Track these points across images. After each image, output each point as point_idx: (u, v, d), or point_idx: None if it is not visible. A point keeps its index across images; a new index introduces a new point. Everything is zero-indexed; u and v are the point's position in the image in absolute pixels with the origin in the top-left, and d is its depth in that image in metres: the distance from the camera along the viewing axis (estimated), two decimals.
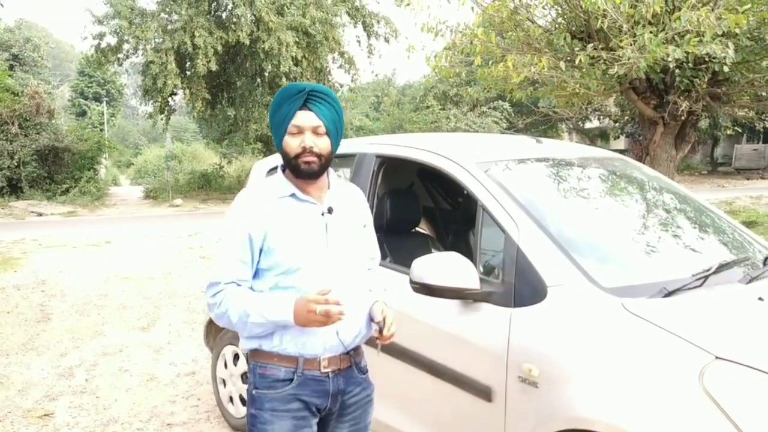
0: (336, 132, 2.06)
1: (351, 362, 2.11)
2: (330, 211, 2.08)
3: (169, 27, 19.48)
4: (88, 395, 4.50)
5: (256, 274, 2.07)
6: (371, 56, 22.14)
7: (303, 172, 2.02)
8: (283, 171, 2.13)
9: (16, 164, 20.27)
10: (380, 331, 2.02)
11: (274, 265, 2.01)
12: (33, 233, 13.28)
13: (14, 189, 20.57)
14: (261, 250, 2.03)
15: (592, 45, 6.48)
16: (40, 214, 18.01)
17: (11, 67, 32.10)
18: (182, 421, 4.07)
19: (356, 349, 2.15)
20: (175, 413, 4.19)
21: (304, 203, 2.07)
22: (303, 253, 2.01)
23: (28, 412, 4.21)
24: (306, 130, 2.00)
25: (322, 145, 2.01)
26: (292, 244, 2.01)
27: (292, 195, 2.06)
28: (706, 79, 7.07)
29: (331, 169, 2.13)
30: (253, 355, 2.08)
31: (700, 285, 2.30)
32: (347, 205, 2.17)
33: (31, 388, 4.62)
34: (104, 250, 11.05)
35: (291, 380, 2.02)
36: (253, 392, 2.06)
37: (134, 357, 5.31)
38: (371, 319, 2.11)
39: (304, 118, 2.00)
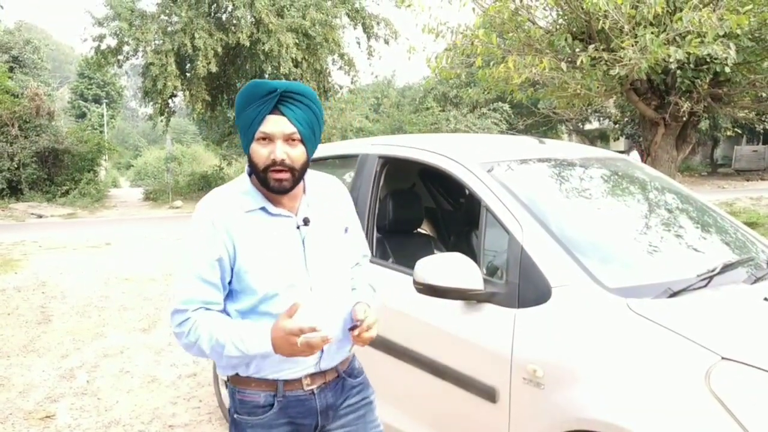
0: (313, 137, 1.80)
1: (338, 373, 1.94)
2: (306, 222, 1.84)
3: (169, 29, 19.51)
4: (89, 397, 4.49)
5: (229, 295, 1.83)
6: (371, 58, 22.16)
7: (273, 189, 1.76)
8: (250, 175, 1.85)
9: (16, 166, 20.29)
10: (354, 328, 1.81)
11: (247, 289, 1.78)
12: (33, 235, 13.28)
13: (14, 191, 20.58)
14: (233, 272, 1.79)
15: (593, 46, 6.48)
16: (40, 216, 18.00)
17: (11, 69, 32.11)
18: (184, 422, 4.06)
19: (343, 360, 1.96)
20: (176, 415, 4.17)
21: (276, 217, 1.81)
22: (279, 277, 1.78)
23: (29, 414, 4.20)
24: (277, 139, 1.73)
25: (296, 155, 1.75)
26: (265, 267, 1.77)
27: (263, 209, 1.80)
28: (707, 80, 7.07)
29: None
30: (231, 380, 1.89)
31: (705, 285, 2.29)
32: (325, 209, 1.92)
33: (32, 390, 4.61)
34: (104, 252, 11.04)
35: (272, 405, 1.83)
36: (234, 416, 1.89)
37: (135, 358, 5.30)
38: (351, 319, 1.89)
39: (276, 123, 1.72)
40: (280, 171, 1.73)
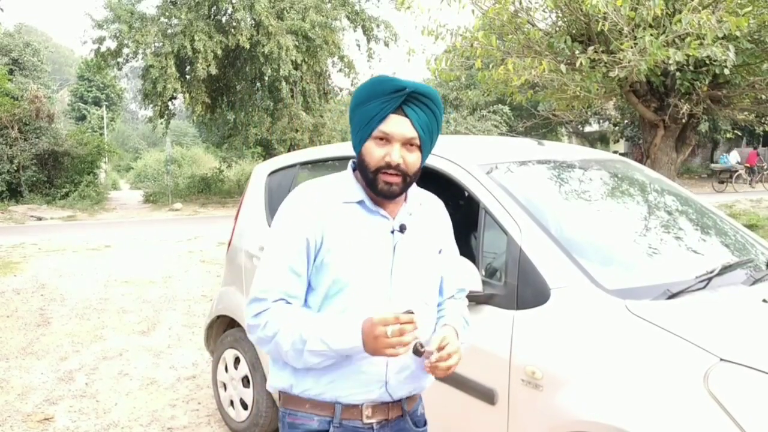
0: (430, 143, 1.69)
1: (402, 411, 1.75)
2: (402, 229, 1.70)
3: (169, 31, 19.54)
4: (88, 399, 4.48)
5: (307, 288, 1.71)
6: (371, 60, 22.18)
7: (380, 192, 1.64)
8: (353, 169, 1.76)
9: (15, 168, 20.30)
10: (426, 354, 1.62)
11: (325, 281, 1.65)
12: (32, 237, 13.28)
13: (14, 193, 20.59)
14: (316, 260, 1.67)
15: (592, 48, 6.48)
16: (40, 219, 18.00)
17: (11, 72, 32.17)
18: (183, 425, 4.06)
19: (411, 397, 1.78)
20: (175, 417, 4.17)
21: (373, 215, 1.69)
22: (361, 271, 1.65)
23: (28, 417, 4.19)
24: (396, 141, 1.61)
25: (411, 161, 1.64)
26: (351, 258, 1.64)
27: (361, 202, 1.70)
28: (706, 82, 7.08)
29: None
30: (283, 399, 1.73)
31: (704, 287, 2.29)
32: (424, 224, 1.79)
33: (30, 393, 4.61)
34: (104, 254, 11.04)
35: (326, 431, 1.67)
36: None
37: (134, 361, 5.29)
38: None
39: (398, 124, 1.60)
40: (393, 175, 1.62)
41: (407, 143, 1.63)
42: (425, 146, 1.67)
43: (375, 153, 1.63)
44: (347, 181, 1.73)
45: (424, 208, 1.83)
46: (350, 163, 1.80)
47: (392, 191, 1.64)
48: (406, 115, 1.61)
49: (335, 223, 1.66)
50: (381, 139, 1.62)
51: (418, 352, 1.59)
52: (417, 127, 1.62)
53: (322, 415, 1.67)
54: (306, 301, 1.70)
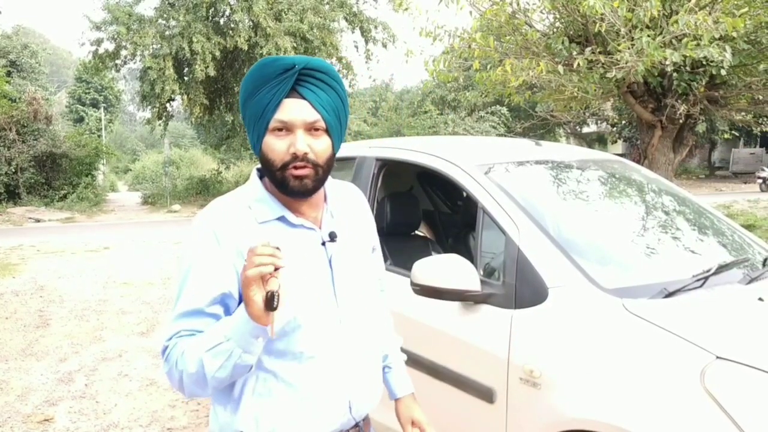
0: (339, 126, 1.47)
1: (359, 430, 1.61)
2: (332, 237, 1.50)
3: (167, 33, 19.52)
4: (87, 400, 4.49)
5: None
6: (369, 61, 22.20)
7: (292, 190, 1.42)
8: (260, 177, 1.53)
9: (13, 170, 20.31)
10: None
11: None
12: (31, 239, 13.28)
13: (12, 195, 20.58)
14: (240, 300, 1.39)
15: (590, 49, 6.50)
16: (38, 221, 17.99)
17: (9, 74, 32.12)
18: (182, 425, 4.07)
19: (365, 419, 1.65)
20: (175, 418, 4.18)
21: (297, 229, 1.48)
22: (305, 301, 1.43)
23: (27, 418, 4.20)
24: (297, 128, 1.39)
25: (320, 148, 1.42)
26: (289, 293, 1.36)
27: (281, 218, 1.47)
28: (703, 83, 7.10)
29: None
30: None
31: (701, 286, 2.30)
32: (350, 222, 1.61)
33: (30, 394, 4.61)
34: (102, 256, 11.04)
35: None
36: None
37: (134, 362, 5.30)
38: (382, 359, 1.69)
39: (295, 109, 1.39)
40: (302, 167, 1.40)
41: (311, 128, 1.41)
42: (333, 131, 1.45)
43: (277, 147, 1.40)
44: (258, 196, 1.48)
45: (346, 203, 1.64)
46: (254, 171, 1.54)
47: (305, 186, 1.42)
48: (303, 97, 1.40)
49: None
50: (280, 129, 1.40)
51: (270, 300, 1.24)
52: (318, 108, 1.41)
53: None
54: None
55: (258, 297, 1.24)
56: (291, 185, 1.41)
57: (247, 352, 1.32)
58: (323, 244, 1.50)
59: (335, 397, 1.50)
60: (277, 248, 1.26)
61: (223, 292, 1.40)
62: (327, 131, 1.44)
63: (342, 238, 1.54)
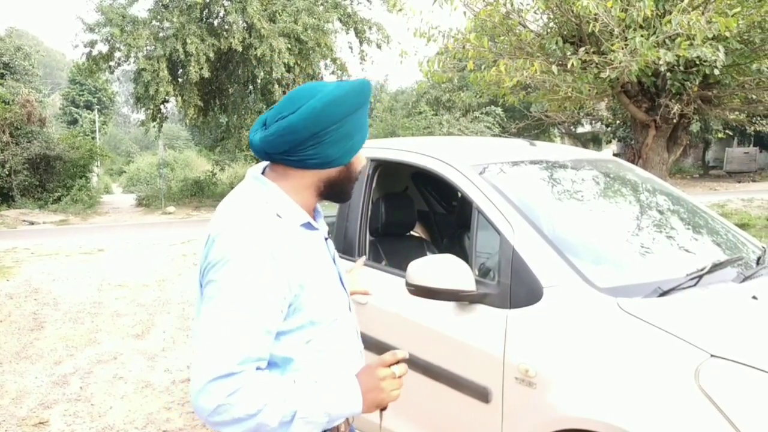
0: None
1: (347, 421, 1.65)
2: (330, 234, 1.66)
3: (161, 34, 19.48)
4: (82, 403, 4.48)
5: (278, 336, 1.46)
6: (363, 62, 22.20)
7: (348, 198, 1.59)
8: (260, 176, 1.56)
9: (7, 173, 20.22)
10: None
11: (308, 323, 1.45)
12: (25, 242, 13.23)
13: (5, 198, 20.50)
14: (290, 306, 1.43)
15: (583, 49, 6.53)
16: (32, 223, 17.93)
17: (2, 76, 32.05)
18: (178, 427, 4.06)
19: None
20: (170, 420, 4.17)
21: (315, 232, 1.55)
22: (334, 301, 1.53)
23: (22, 421, 4.18)
24: None
25: None
26: (324, 290, 1.49)
27: (307, 224, 1.51)
28: (697, 82, 7.13)
29: None
30: None
31: (695, 284, 2.31)
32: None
33: (25, 397, 4.60)
34: (97, 258, 11.00)
35: None
36: None
37: (129, 364, 5.29)
38: None
39: None
40: None
41: None
42: None
43: (362, 158, 1.56)
44: (285, 201, 1.49)
45: None
46: (264, 177, 1.54)
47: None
48: None
49: (299, 256, 1.43)
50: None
51: (384, 407, 1.47)
52: None
53: None
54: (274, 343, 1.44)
55: (396, 391, 1.43)
56: (351, 192, 1.58)
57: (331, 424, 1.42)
58: (326, 240, 1.61)
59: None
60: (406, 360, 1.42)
61: (284, 299, 1.39)
62: None
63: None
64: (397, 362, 1.41)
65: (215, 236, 1.42)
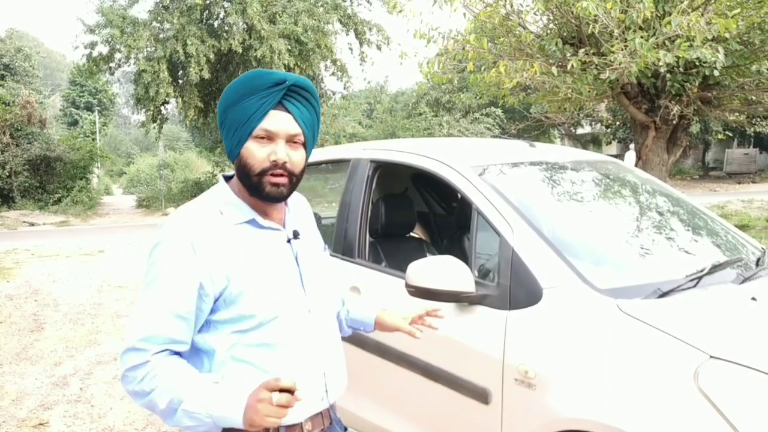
0: (313, 141, 1.60)
1: (331, 417, 1.71)
2: (296, 235, 1.64)
3: (161, 36, 19.49)
4: (83, 404, 4.48)
5: (205, 326, 1.53)
6: (363, 64, 22.19)
7: (268, 196, 1.53)
8: (226, 180, 1.64)
9: (7, 174, 20.25)
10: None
11: (239, 316, 1.50)
12: (25, 243, 13.24)
13: (6, 199, 20.52)
14: (219, 298, 1.50)
15: (583, 50, 6.53)
16: (33, 224, 17.95)
17: (2, 77, 32.09)
18: (177, 429, 4.05)
19: (333, 403, 1.74)
20: None
21: (266, 231, 1.58)
22: (278, 294, 1.55)
23: (22, 422, 4.18)
24: (279, 138, 1.50)
25: (297, 159, 1.54)
26: (264, 288, 1.52)
27: (251, 221, 1.56)
28: (696, 84, 7.13)
29: None
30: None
31: (694, 286, 2.31)
32: (306, 224, 1.75)
33: (25, 398, 4.60)
34: (97, 260, 11.01)
35: None
36: None
37: None
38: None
39: (280, 120, 1.50)
40: (280, 175, 1.51)
41: (291, 140, 1.53)
42: (308, 144, 1.58)
43: (258, 153, 1.50)
44: (229, 200, 1.58)
45: (297, 209, 1.76)
46: (220, 177, 1.66)
47: (280, 192, 1.53)
48: (288, 111, 1.51)
49: (234, 251, 1.51)
50: (263, 137, 1.51)
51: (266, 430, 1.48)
52: (300, 123, 1.53)
53: None
54: (211, 332, 1.53)
55: (264, 425, 1.37)
56: (267, 191, 1.52)
57: (216, 429, 1.44)
58: (288, 241, 1.63)
59: (313, 381, 1.62)
60: (292, 390, 1.37)
61: (198, 286, 1.48)
62: (304, 144, 1.56)
63: (303, 236, 1.67)
64: (281, 390, 1.36)
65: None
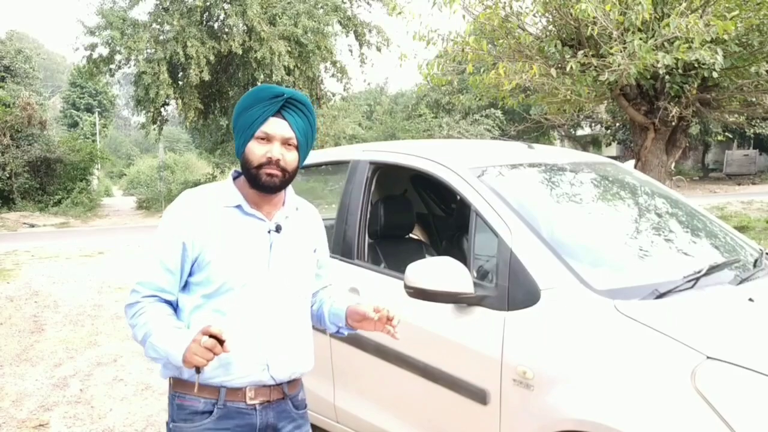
0: (306, 146, 1.88)
1: (283, 394, 1.90)
2: (278, 229, 1.88)
3: (162, 37, 19.50)
4: (83, 405, 4.49)
5: (185, 287, 1.86)
6: (363, 65, 22.19)
7: (263, 184, 1.82)
8: (234, 179, 1.93)
9: (8, 176, 20.25)
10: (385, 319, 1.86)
11: (205, 281, 1.81)
12: (25, 245, 13.24)
13: (6, 200, 20.52)
14: (195, 262, 1.82)
15: (582, 52, 6.54)
16: (33, 226, 17.96)
17: (2, 79, 32.10)
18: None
19: (291, 382, 1.94)
20: None
21: (249, 218, 1.86)
22: (240, 271, 1.82)
23: (22, 423, 4.19)
24: (275, 140, 1.81)
25: (290, 158, 1.83)
26: (229, 259, 1.81)
27: (238, 206, 1.86)
28: (695, 85, 7.14)
29: (290, 186, 1.94)
30: (173, 383, 1.89)
31: (692, 287, 2.32)
32: (299, 226, 1.98)
33: (25, 399, 4.61)
34: (97, 261, 11.02)
35: (211, 412, 1.81)
36: (170, 425, 1.88)
37: (129, 366, 5.29)
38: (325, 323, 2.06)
39: (277, 126, 1.81)
40: (274, 168, 1.81)
41: (286, 143, 1.82)
42: (302, 148, 1.87)
43: (257, 151, 1.81)
44: (227, 188, 1.90)
45: (300, 213, 2.01)
46: (231, 172, 1.97)
47: (273, 182, 1.82)
48: (285, 118, 1.82)
49: (214, 226, 1.83)
50: (262, 138, 1.81)
51: (197, 369, 1.69)
52: (294, 129, 1.82)
53: (207, 398, 1.82)
54: (190, 293, 1.86)
55: (201, 360, 1.65)
56: (263, 180, 1.82)
57: (170, 362, 1.76)
58: (269, 232, 1.88)
59: (252, 353, 1.83)
60: (221, 340, 1.62)
61: (180, 243, 1.81)
62: (297, 148, 1.85)
63: (287, 232, 1.91)
64: (210, 335, 1.62)
65: None
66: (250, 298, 1.83)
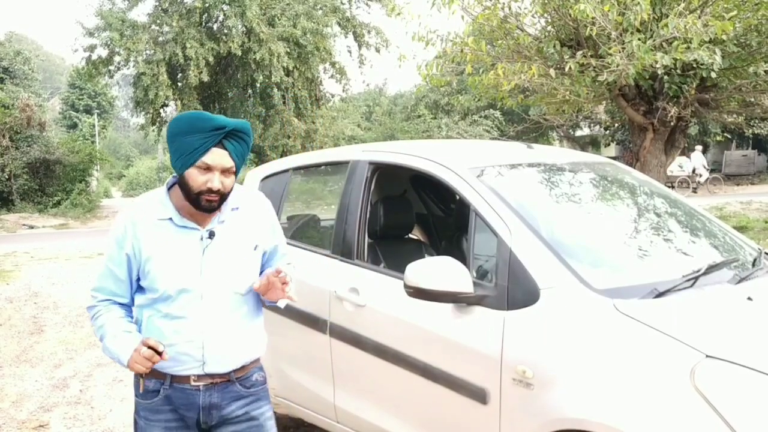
0: (241, 164, 2.01)
1: (228, 378, 2.08)
2: (211, 235, 2.01)
3: (161, 39, 19.53)
4: (82, 406, 4.49)
5: (139, 289, 2.07)
6: (362, 66, 22.20)
7: (202, 208, 1.96)
8: (169, 188, 2.05)
9: (7, 177, 20.23)
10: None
11: (149, 287, 2.01)
12: (25, 246, 13.23)
13: (5, 202, 20.51)
14: (139, 270, 2.02)
15: (581, 52, 6.55)
16: (32, 227, 17.95)
17: (1, 80, 32.10)
18: None
19: (239, 368, 2.11)
20: None
21: (181, 228, 2.01)
22: (174, 279, 1.98)
23: (22, 424, 4.19)
24: (216, 170, 1.91)
25: (228, 183, 1.96)
26: (163, 269, 1.97)
27: (170, 219, 2.00)
28: (694, 86, 7.14)
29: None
30: None
31: (691, 286, 2.33)
32: (237, 226, 2.08)
33: (25, 400, 4.61)
34: (96, 262, 10.97)
35: (158, 392, 2.05)
36: (135, 398, 2.13)
37: None
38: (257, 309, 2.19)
39: (218, 157, 1.91)
40: (213, 196, 1.93)
41: (225, 171, 1.94)
42: (239, 170, 2.01)
43: (198, 179, 1.91)
44: (161, 200, 2.03)
45: (240, 213, 2.10)
46: (167, 181, 2.08)
47: (212, 207, 1.96)
48: (225, 148, 1.92)
49: (150, 238, 1.99)
50: (203, 169, 1.91)
51: (139, 375, 2.04)
52: (234, 158, 1.94)
53: (157, 379, 2.04)
54: (141, 295, 2.06)
55: (134, 369, 1.96)
56: (203, 205, 1.95)
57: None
58: (201, 239, 2.01)
59: (188, 350, 2.01)
60: (159, 352, 1.88)
61: (124, 256, 2.01)
62: (235, 172, 1.98)
63: (221, 236, 2.03)
64: (148, 347, 1.86)
65: None
66: (187, 302, 2.00)
